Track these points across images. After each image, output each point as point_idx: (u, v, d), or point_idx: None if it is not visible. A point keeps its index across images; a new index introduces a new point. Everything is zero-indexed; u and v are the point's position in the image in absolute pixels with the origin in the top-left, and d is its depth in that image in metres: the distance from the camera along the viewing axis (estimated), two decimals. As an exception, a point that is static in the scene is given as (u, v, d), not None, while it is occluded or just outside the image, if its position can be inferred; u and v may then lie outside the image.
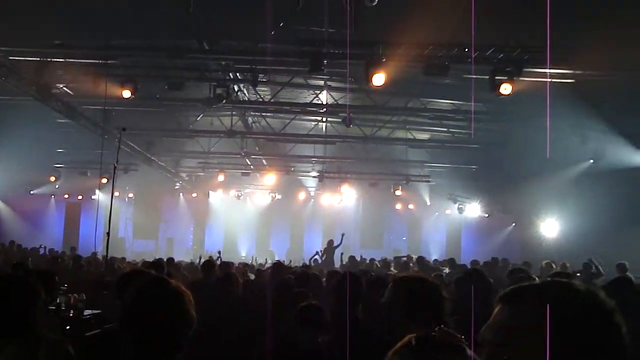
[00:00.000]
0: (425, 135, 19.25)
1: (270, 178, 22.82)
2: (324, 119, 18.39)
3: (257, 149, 20.95)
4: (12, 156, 17.65)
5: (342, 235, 17.88)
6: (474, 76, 11.38)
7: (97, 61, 12.02)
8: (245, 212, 27.70)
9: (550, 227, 18.95)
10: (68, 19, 9.98)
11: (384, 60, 10.54)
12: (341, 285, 4.69)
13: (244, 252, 25.91)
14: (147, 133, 18.12)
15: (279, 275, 7.61)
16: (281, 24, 10.17)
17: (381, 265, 14.91)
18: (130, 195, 26.78)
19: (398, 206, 26.46)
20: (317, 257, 17.38)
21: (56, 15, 9.79)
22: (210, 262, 8.56)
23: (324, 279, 7.53)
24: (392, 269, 13.82)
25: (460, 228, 26.20)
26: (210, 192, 27.04)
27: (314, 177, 24.12)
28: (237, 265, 12.33)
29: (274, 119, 18.52)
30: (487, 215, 23.97)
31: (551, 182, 16.24)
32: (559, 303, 1.15)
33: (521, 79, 10.66)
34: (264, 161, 22.24)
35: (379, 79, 10.56)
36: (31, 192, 25.31)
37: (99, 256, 14.17)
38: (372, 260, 16.42)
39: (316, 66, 10.71)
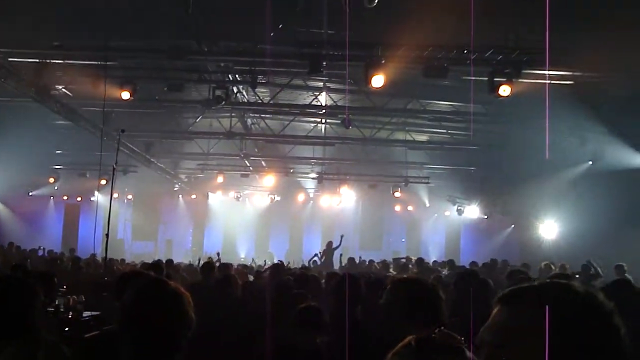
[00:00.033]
0: (424, 137, 19.26)
1: (269, 179, 22.82)
2: (323, 121, 18.39)
3: (256, 150, 20.95)
4: (11, 157, 17.61)
5: (341, 236, 17.90)
6: (473, 78, 11.39)
7: (96, 62, 12.01)
8: (244, 214, 27.70)
9: (549, 228, 18.95)
10: (67, 20, 9.97)
11: (383, 61, 10.54)
12: (340, 287, 4.69)
13: (243, 253, 25.90)
14: (146, 134, 18.13)
15: (278, 276, 7.61)
16: (280, 26, 10.18)
17: (380, 267, 14.91)
18: (130, 196, 26.75)
19: (397, 208, 26.45)
20: (316, 258, 17.39)
21: (55, 16, 9.78)
22: (209, 264, 8.55)
23: (323, 281, 7.54)
24: (391, 270, 13.83)
25: (460, 230, 26.20)
26: (209, 193, 27.04)
27: (313, 178, 24.12)
28: (236, 267, 12.31)
29: (273, 121, 18.52)
30: (486, 216, 23.98)
31: (550, 183, 16.24)
32: (557, 304, 1.15)
33: (520, 80, 10.67)
34: (263, 163, 22.24)
35: (378, 80, 10.56)
36: (30, 194, 25.26)
37: (98, 258, 14.16)
38: (371, 261, 16.42)
39: (315, 68, 10.71)
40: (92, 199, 23.89)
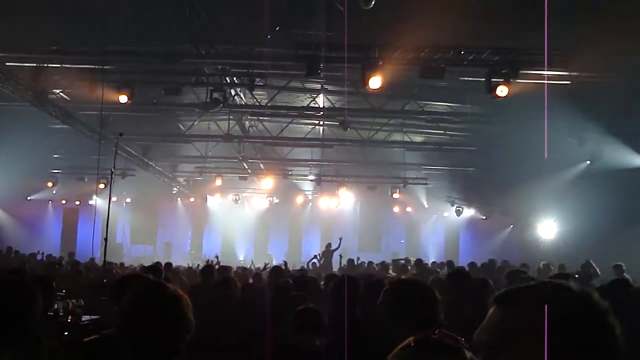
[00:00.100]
0: (422, 138, 19.27)
1: (267, 182, 22.80)
2: (321, 123, 18.40)
3: (254, 153, 20.94)
4: (9, 162, 17.60)
5: (340, 238, 17.89)
6: (471, 78, 11.39)
7: (93, 66, 12.01)
8: (243, 216, 27.68)
9: (548, 228, 18.97)
10: (64, 24, 9.98)
11: (380, 63, 10.55)
12: (339, 289, 4.69)
13: (242, 256, 25.87)
14: (144, 138, 18.13)
15: (277, 279, 7.61)
16: (277, 28, 10.18)
17: (379, 268, 14.91)
18: (128, 200, 26.69)
19: (396, 209, 26.44)
20: (315, 260, 17.38)
21: (54, 19, 9.79)
22: (210, 267, 8.56)
23: (322, 282, 7.53)
24: (390, 271, 13.84)
25: (458, 230, 26.22)
26: (207, 196, 27.02)
27: (311, 180, 24.12)
28: (235, 269, 12.30)
29: (271, 123, 18.50)
30: (485, 217, 23.99)
31: (549, 183, 16.25)
32: (552, 304, 1.14)
33: (517, 81, 10.68)
34: (261, 165, 22.24)
35: (375, 82, 10.57)
36: (28, 198, 25.26)
37: (97, 262, 14.13)
38: (370, 263, 16.41)
39: (313, 70, 10.71)
40: (90, 202, 23.84)
